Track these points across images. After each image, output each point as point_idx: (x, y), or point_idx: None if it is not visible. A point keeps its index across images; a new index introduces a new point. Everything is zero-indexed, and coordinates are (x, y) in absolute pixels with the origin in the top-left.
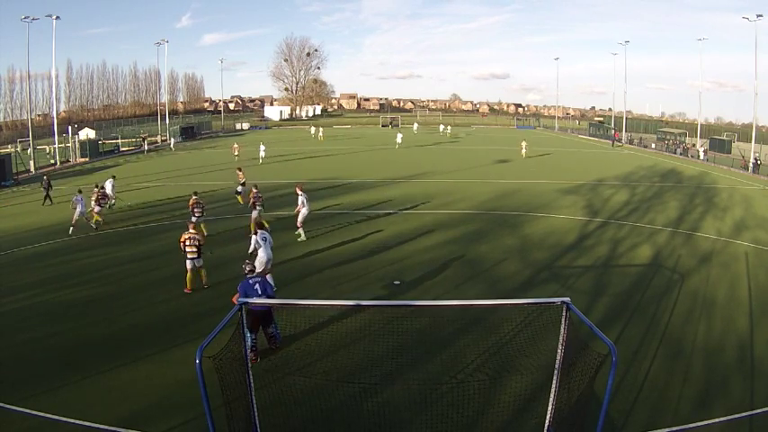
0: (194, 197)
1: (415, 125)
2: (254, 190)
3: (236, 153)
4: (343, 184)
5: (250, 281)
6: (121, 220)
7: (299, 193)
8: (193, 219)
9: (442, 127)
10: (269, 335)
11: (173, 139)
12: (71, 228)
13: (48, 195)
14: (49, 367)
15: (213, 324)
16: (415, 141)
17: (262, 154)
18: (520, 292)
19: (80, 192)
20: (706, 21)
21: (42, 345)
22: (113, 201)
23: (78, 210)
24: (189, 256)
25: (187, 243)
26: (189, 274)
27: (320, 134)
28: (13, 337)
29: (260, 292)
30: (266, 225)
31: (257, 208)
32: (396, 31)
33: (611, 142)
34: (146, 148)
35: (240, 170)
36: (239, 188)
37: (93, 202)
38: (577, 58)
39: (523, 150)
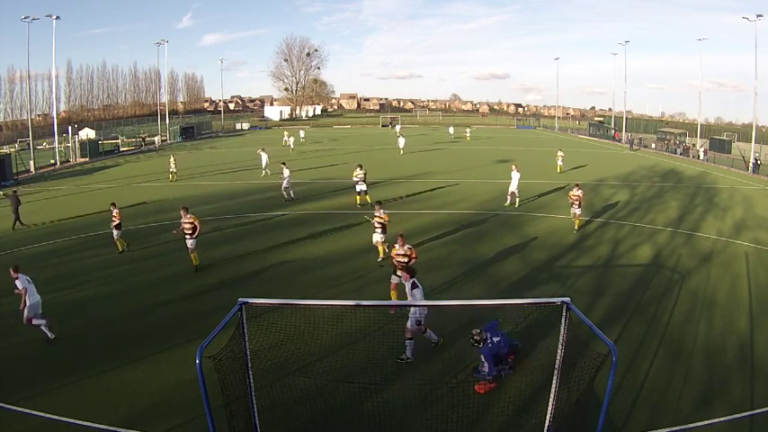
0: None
1: (398, 126)
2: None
3: (173, 168)
4: (342, 185)
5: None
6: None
7: None
8: None
9: (452, 129)
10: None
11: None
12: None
13: None
14: (49, 367)
15: (213, 324)
16: (421, 144)
17: (290, 144)
18: (520, 292)
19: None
20: (706, 21)
21: (42, 345)
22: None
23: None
24: None
25: None
26: None
27: (294, 140)
28: (13, 337)
29: (503, 344)
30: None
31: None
32: (396, 31)
33: (628, 145)
34: (143, 146)
35: (360, 167)
36: (361, 186)
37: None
38: (577, 58)
39: (559, 162)
